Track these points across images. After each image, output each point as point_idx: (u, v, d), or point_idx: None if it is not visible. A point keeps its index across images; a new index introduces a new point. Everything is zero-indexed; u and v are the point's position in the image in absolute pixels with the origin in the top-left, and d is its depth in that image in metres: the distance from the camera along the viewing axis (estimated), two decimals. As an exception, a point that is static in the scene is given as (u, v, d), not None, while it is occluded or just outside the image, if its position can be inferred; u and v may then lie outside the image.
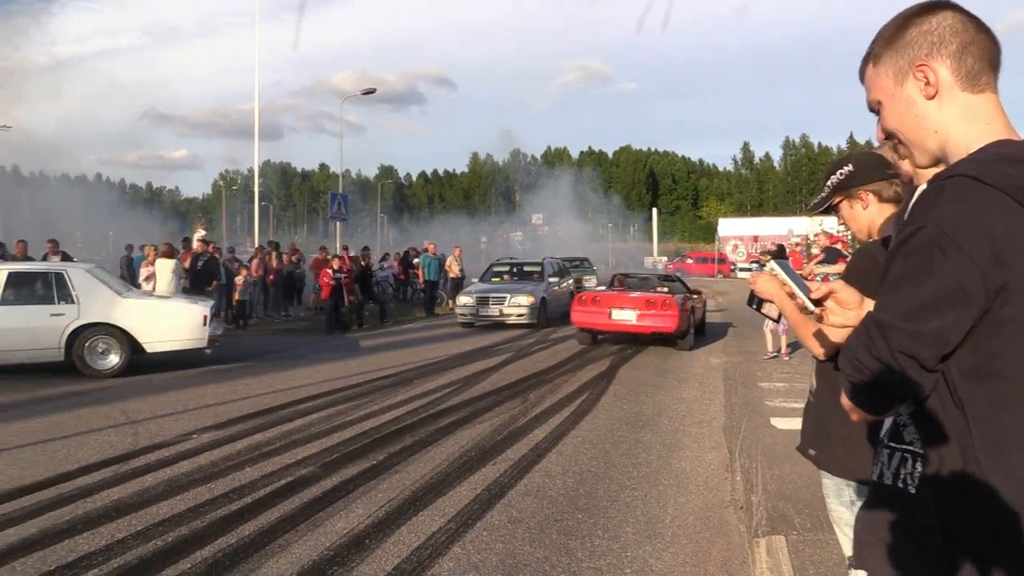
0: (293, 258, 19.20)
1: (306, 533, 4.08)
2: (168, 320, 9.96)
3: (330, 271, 15.16)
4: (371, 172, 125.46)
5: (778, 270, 1.79)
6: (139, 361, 9.76)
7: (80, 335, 9.34)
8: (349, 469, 5.29)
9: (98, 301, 9.53)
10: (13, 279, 9.38)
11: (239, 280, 15.10)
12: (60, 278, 9.47)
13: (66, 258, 13.50)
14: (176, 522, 4.26)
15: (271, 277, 17.01)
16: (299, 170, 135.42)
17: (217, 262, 14.35)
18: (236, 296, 15.09)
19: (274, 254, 17.73)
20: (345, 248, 19.92)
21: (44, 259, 13.25)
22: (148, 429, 6.56)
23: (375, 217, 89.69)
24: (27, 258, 13.06)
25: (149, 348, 9.71)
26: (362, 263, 17.65)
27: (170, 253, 12.74)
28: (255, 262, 16.65)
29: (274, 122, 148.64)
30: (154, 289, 12.24)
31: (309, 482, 5.00)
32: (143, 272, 12.83)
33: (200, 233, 15.23)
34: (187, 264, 13.44)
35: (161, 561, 3.71)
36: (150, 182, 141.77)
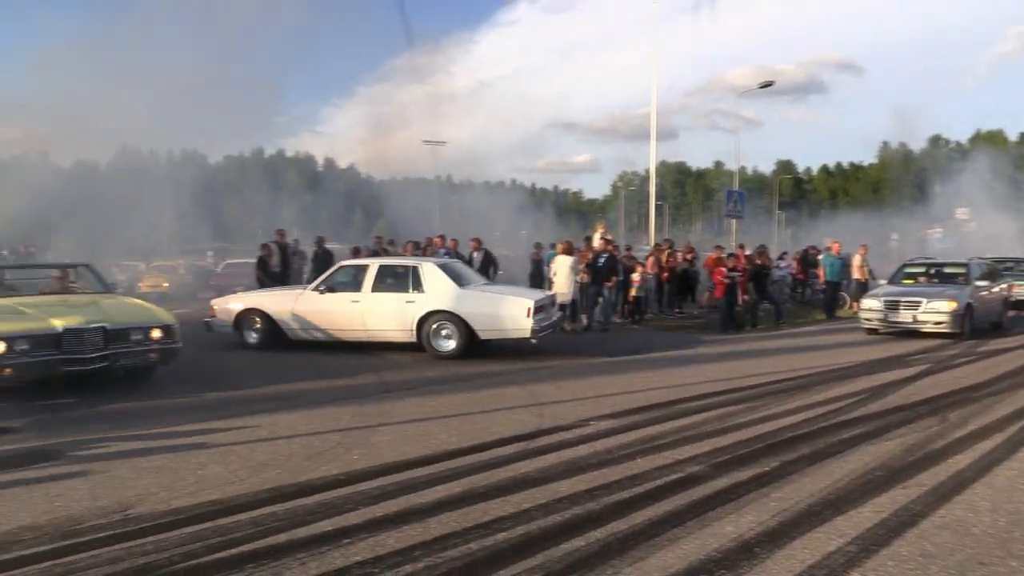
0: (687, 256, 19.36)
1: (694, 531, 4.05)
2: (497, 311, 10.66)
3: (724, 269, 14.97)
4: (767, 168, 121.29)
5: None
6: (488, 347, 10.74)
7: (427, 320, 10.61)
8: (741, 472, 5.14)
9: (442, 291, 10.71)
10: (381, 271, 11.24)
11: (635, 277, 15.67)
12: (415, 271, 10.98)
13: (488, 255, 15.22)
14: (574, 500, 4.54)
15: (666, 274, 17.35)
16: (693, 169, 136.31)
17: (616, 260, 15.06)
18: (632, 292, 15.70)
19: (668, 252, 18.06)
20: (741, 246, 19.50)
21: (469, 256, 15.17)
22: (552, 412, 7.12)
23: (771, 214, 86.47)
24: (457, 254, 15.05)
25: (482, 335, 10.61)
26: (758, 261, 17.10)
27: (569, 251, 13.80)
28: (651, 259, 17.15)
29: (669, 123, 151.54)
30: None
31: (699, 480, 4.96)
32: (552, 268, 14.09)
33: (600, 232, 16.10)
34: (588, 261, 14.32)
35: (560, 534, 3.98)
36: (556, 185, 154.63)
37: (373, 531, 4.04)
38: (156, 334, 8.02)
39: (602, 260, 14.40)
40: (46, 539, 3.95)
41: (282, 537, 3.96)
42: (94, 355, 7.47)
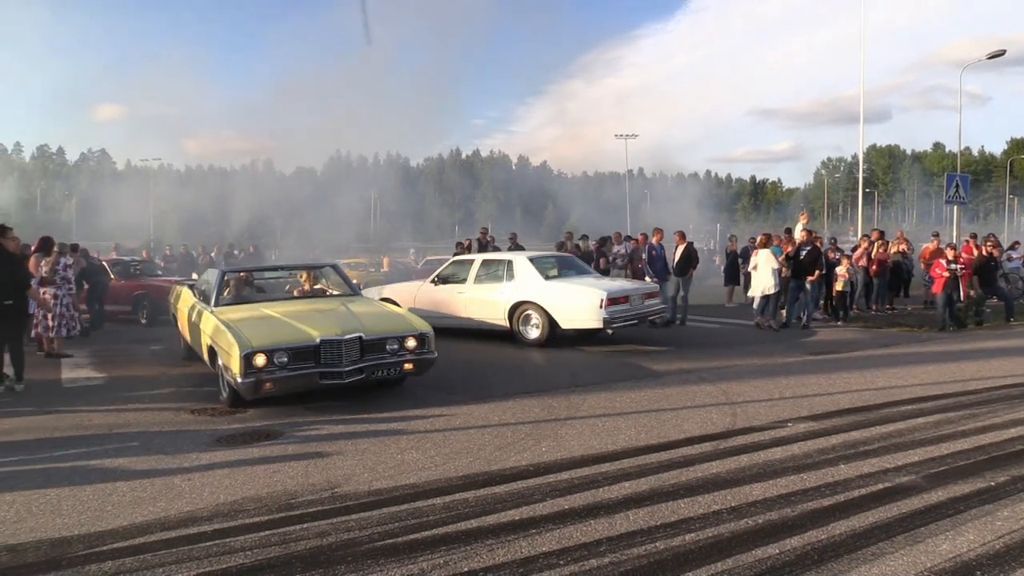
0: (900, 247, 17.84)
1: (903, 547, 3.72)
2: (572, 301, 10.92)
3: (943, 261, 13.61)
4: (998, 148, 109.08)
5: None
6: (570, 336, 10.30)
7: (517, 309, 11.30)
8: (960, 486, 4.65)
9: (529, 283, 11.33)
10: (484, 264, 12.14)
11: (840, 270, 14.68)
12: (509, 264, 11.74)
13: (689, 247, 14.69)
14: (767, 506, 4.33)
15: (875, 267, 16.10)
16: (908, 152, 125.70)
17: (819, 252, 14.17)
18: (837, 287, 14.71)
19: (879, 243, 16.73)
20: (972, 235, 17.64)
21: (648, 246, 14.76)
22: (745, 411, 6.84)
23: (1003, 199, 77.59)
24: (649, 247, 14.72)
25: (562, 325, 11.00)
26: (985, 252, 15.39)
27: (766, 243, 13.23)
28: (858, 251, 15.98)
29: (880, 104, 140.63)
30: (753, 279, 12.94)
31: (909, 492, 4.55)
32: (752, 261, 13.54)
33: (802, 222, 15.20)
34: (788, 254, 13.60)
35: (751, 540, 3.81)
36: (754, 175, 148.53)
37: (560, 523, 4.08)
38: (411, 343, 7.45)
39: (804, 252, 13.62)
40: (265, 510, 4.37)
41: (473, 523, 4.11)
42: (351, 368, 7.03)
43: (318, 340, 6.93)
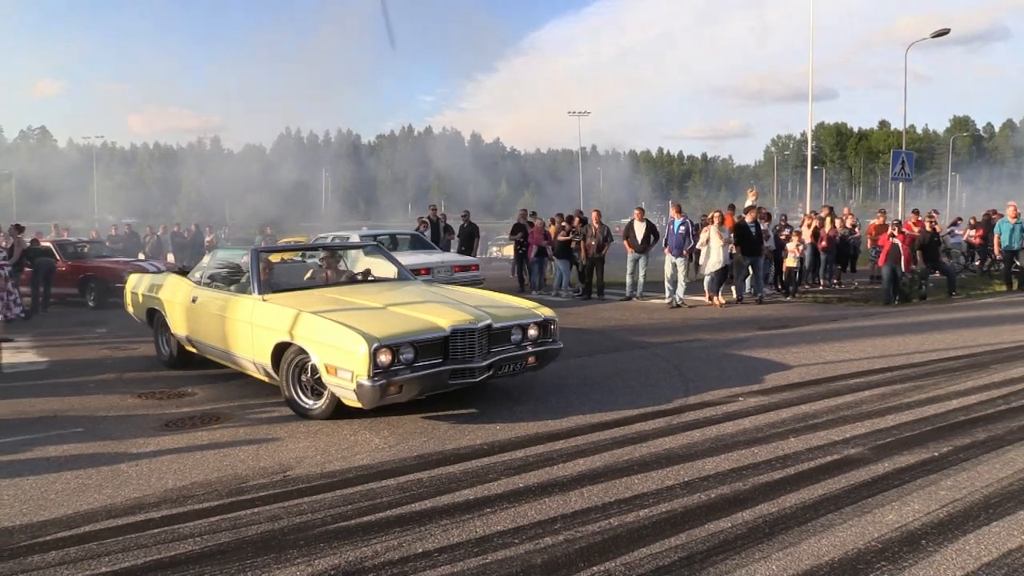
0: (847, 223, 18.21)
1: (852, 517, 3.80)
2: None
3: (889, 237, 13.93)
4: (941, 126, 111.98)
5: None
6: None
7: None
8: (904, 457, 4.77)
9: None
10: None
11: (791, 246, 14.92)
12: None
13: (650, 224, 14.92)
14: (719, 480, 4.38)
15: (823, 243, 16.42)
16: (855, 130, 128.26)
17: (757, 229, 14.31)
18: (787, 263, 14.97)
19: (828, 219, 17.06)
20: (915, 211, 18.06)
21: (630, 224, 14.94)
22: (698, 386, 6.91)
23: (945, 176, 79.80)
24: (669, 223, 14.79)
25: None
26: (927, 228, 15.80)
27: (718, 220, 13.52)
28: (806, 227, 16.26)
29: (827, 82, 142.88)
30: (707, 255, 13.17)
31: (857, 463, 4.65)
32: (702, 237, 13.70)
33: (751, 199, 15.40)
34: (733, 230, 13.76)
35: (704, 514, 3.85)
36: (705, 152, 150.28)
37: (514, 501, 4.07)
38: (533, 332, 6.33)
39: (753, 229, 13.80)
40: (215, 495, 4.28)
41: (427, 503, 4.08)
42: (483, 363, 5.82)
43: (448, 329, 5.67)
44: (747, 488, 4.24)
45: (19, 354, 9.48)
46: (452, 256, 14.85)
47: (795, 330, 10.51)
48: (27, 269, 13.48)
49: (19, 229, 13.44)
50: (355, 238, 14.04)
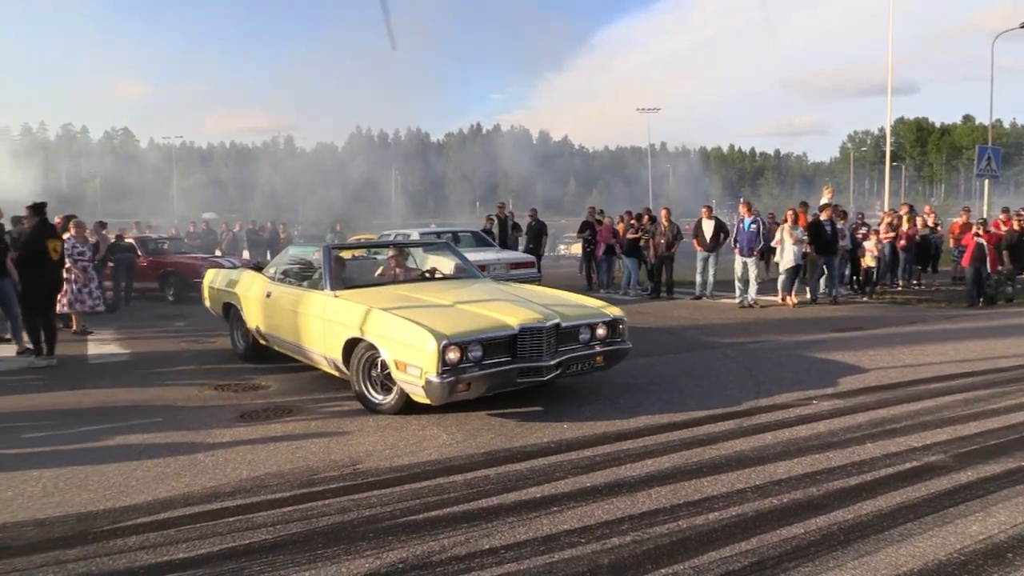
0: (928, 222, 17.53)
1: (932, 527, 3.65)
2: None
3: (974, 236, 13.35)
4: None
5: None
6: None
7: None
8: (989, 465, 4.56)
9: None
10: None
11: (868, 245, 14.45)
12: None
13: (719, 222, 14.59)
14: (792, 484, 4.27)
15: (902, 242, 15.84)
16: (937, 125, 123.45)
17: (832, 228, 13.89)
18: (864, 262, 14.50)
19: (907, 217, 16.45)
20: (1005, 210, 17.28)
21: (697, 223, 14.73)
22: (770, 388, 6.75)
23: (1034, 173, 76.11)
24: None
25: None
26: (1017, 227, 15.07)
27: (792, 219, 13.17)
28: (884, 226, 15.72)
29: (907, 75, 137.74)
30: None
31: (938, 471, 4.47)
32: (776, 236, 13.39)
33: (827, 197, 14.94)
34: (807, 228, 13.38)
35: (776, 519, 3.76)
36: (778, 149, 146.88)
37: (581, 501, 4.05)
38: (601, 331, 6.28)
39: (828, 228, 13.41)
40: (287, 486, 4.39)
41: (494, 500, 4.09)
42: (551, 362, 5.80)
43: (517, 328, 5.68)
44: (821, 494, 4.12)
45: (103, 346, 9.91)
46: (509, 253, 14.90)
47: (872, 332, 10.17)
48: (110, 264, 14.07)
49: (102, 226, 14.05)
50: (415, 235, 14.26)
